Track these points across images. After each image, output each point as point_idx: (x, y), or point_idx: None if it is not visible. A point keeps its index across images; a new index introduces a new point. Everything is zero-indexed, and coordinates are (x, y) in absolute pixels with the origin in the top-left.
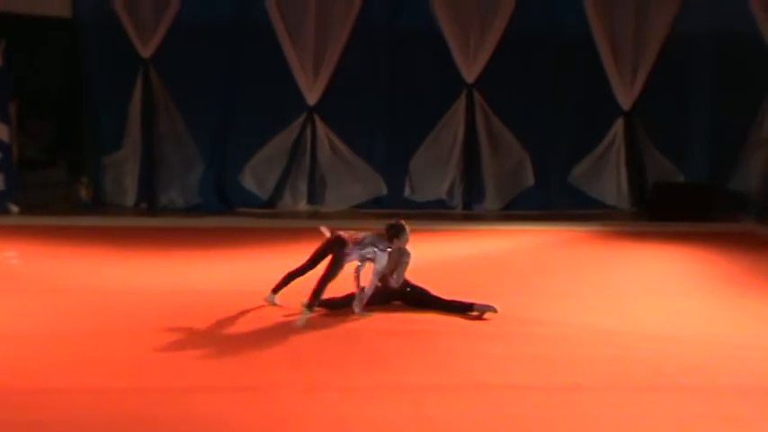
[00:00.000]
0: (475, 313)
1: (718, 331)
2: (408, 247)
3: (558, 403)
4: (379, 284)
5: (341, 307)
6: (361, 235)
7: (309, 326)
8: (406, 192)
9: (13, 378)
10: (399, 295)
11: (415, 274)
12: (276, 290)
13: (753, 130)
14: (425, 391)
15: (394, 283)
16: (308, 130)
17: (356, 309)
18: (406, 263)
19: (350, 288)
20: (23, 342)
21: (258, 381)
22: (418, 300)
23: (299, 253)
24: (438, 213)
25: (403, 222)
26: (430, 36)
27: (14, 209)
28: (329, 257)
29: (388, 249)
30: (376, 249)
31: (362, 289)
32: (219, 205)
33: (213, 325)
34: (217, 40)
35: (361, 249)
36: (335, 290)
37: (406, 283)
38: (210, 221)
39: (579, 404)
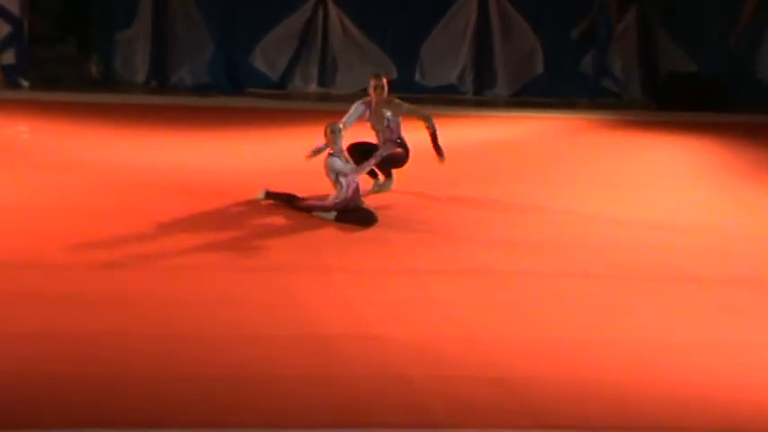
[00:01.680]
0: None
1: (725, 223)
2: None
3: (566, 289)
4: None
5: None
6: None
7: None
8: (417, 76)
9: (12, 251)
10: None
11: (422, 157)
12: (271, 194)
13: None
14: (432, 274)
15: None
16: (320, 12)
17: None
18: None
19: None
20: (26, 215)
21: (267, 261)
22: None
23: (308, 136)
24: (448, 98)
25: (335, 123)
26: None
27: (25, 83)
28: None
29: (332, 153)
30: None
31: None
32: (229, 85)
33: (221, 206)
34: None
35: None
36: None
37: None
38: (220, 101)
39: (586, 291)
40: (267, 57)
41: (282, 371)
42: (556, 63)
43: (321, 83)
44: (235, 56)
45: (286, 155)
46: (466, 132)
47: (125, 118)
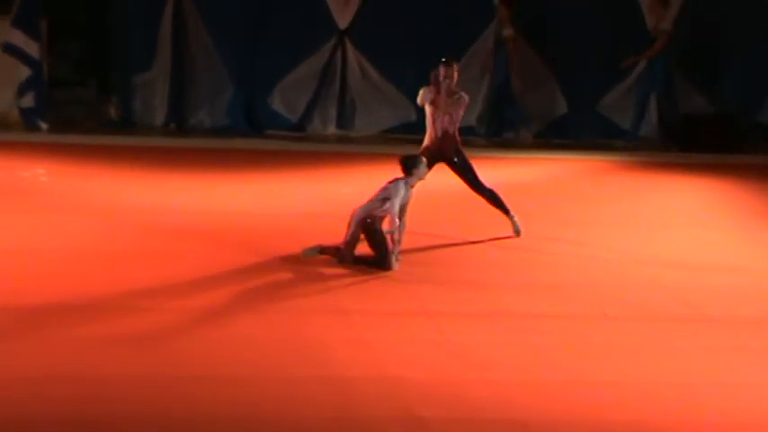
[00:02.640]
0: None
1: (743, 263)
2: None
3: (583, 332)
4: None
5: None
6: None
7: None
8: None
9: (32, 295)
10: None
11: (441, 199)
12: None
13: None
14: (450, 317)
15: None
16: (339, 54)
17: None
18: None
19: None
20: (42, 258)
21: (286, 303)
22: None
23: (327, 177)
24: (468, 141)
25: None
26: None
27: (44, 126)
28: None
29: (410, 184)
30: (398, 191)
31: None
32: (248, 127)
33: (240, 248)
34: None
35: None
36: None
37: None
38: (239, 143)
39: (604, 333)
40: (286, 99)
41: (302, 412)
42: (574, 104)
43: (340, 125)
44: (254, 98)
45: (305, 197)
46: (485, 174)
47: (143, 161)
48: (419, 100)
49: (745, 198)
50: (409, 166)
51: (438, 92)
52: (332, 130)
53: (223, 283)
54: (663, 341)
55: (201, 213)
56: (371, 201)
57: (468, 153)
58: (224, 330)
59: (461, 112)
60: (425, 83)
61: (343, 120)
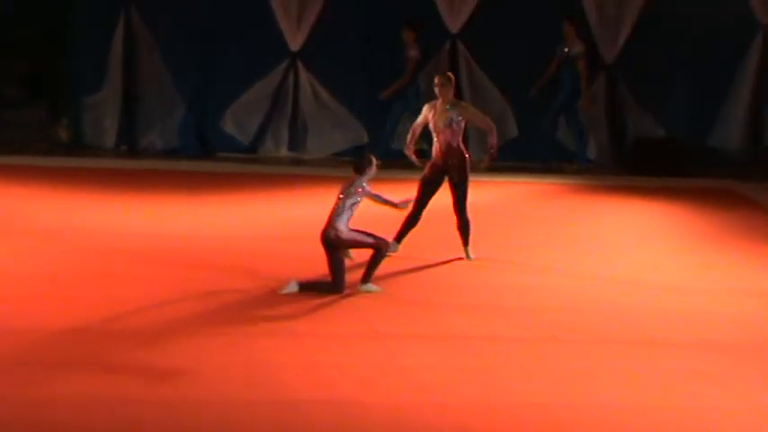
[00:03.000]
0: None
1: (692, 286)
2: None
3: (534, 354)
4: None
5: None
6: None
7: (287, 272)
8: (393, 141)
9: None
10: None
11: (390, 220)
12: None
13: (733, 86)
14: (400, 339)
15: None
16: (291, 77)
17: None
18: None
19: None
20: None
21: (235, 326)
22: None
23: (279, 199)
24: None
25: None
26: None
27: None
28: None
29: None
30: (360, 189)
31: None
32: (199, 149)
33: (190, 270)
34: None
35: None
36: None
37: None
38: (190, 165)
39: (555, 356)
40: (238, 121)
41: None
42: (528, 127)
43: (291, 147)
44: (205, 120)
45: (257, 219)
46: (438, 196)
47: (93, 183)
48: (421, 118)
49: (694, 221)
50: (363, 166)
51: (435, 105)
52: (284, 152)
53: (172, 305)
54: (613, 364)
55: (152, 236)
56: (337, 215)
57: (418, 176)
58: (172, 353)
59: (463, 125)
60: (377, 105)
61: (295, 142)
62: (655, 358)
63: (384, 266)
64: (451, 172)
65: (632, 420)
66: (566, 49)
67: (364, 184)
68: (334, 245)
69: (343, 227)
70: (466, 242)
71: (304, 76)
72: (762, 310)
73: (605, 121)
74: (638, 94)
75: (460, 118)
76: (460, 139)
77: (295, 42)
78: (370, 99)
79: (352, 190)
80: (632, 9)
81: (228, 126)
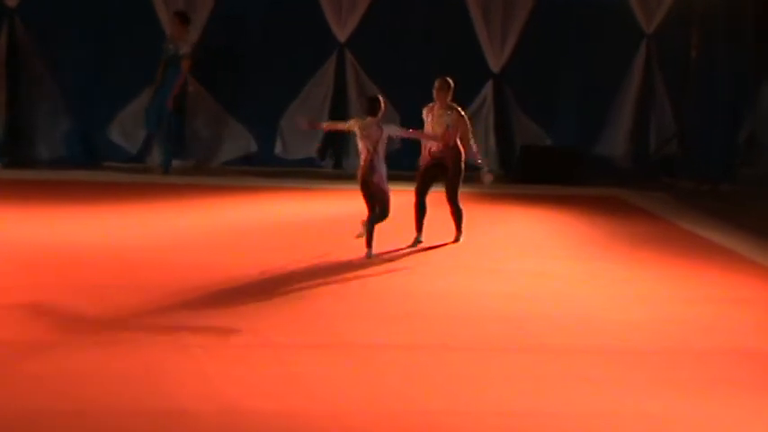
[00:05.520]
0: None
1: (580, 293)
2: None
3: (423, 362)
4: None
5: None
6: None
7: (178, 282)
8: (277, 149)
9: None
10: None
11: (285, 231)
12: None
13: (619, 95)
14: (292, 349)
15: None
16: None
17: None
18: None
19: None
20: None
21: (123, 336)
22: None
23: (166, 209)
24: (308, 172)
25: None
26: None
27: None
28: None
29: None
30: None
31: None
32: (86, 159)
33: (78, 280)
34: None
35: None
36: None
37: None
38: (76, 174)
39: (444, 363)
40: (125, 130)
41: None
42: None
43: (179, 156)
44: (92, 129)
45: (144, 229)
46: (326, 205)
47: None
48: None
49: (581, 228)
50: (375, 108)
51: (433, 108)
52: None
53: (60, 315)
54: (503, 371)
55: (39, 246)
56: (378, 159)
57: (308, 184)
58: (60, 363)
59: (459, 125)
60: (267, 113)
61: (183, 151)
62: (543, 365)
63: (268, 273)
64: (448, 166)
65: (521, 427)
66: (170, 46)
67: (381, 124)
68: (370, 186)
69: (383, 170)
70: (459, 227)
71: (192, 85)
72: (647, 316)
73: (493, 129)
74: (524, 102)
75: (456, 120)
76: (457, 138)
77: (183, 50)
78: (258, 107)
79: (375, 132)
80: (519, 19)
81: (115, 135)
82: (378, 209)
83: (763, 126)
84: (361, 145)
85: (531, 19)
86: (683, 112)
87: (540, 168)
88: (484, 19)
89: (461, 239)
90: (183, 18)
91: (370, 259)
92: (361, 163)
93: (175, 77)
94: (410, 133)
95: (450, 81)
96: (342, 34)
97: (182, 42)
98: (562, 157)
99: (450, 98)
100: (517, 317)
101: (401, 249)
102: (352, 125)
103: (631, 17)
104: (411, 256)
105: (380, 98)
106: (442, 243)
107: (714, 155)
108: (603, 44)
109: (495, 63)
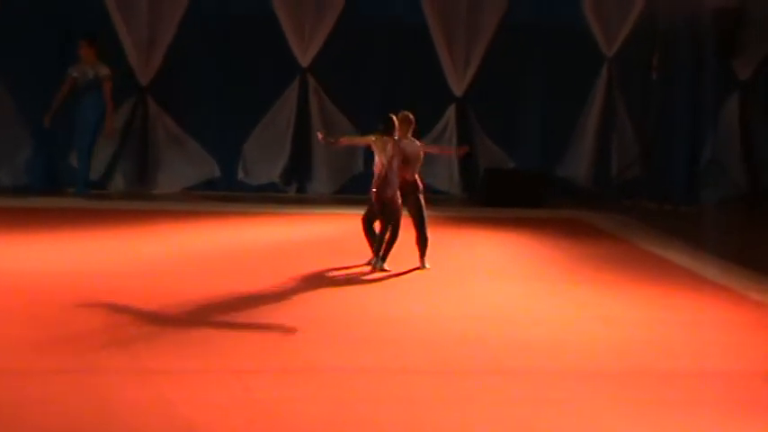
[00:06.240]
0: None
1: (540, 315)
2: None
3: (388, 386)
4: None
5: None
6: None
7: (138, 310)
8: (240, 174)
9: None
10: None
11: (250, 256)
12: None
13: (581, 118)
14: (255, 374)
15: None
16: (140, 111)
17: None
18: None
19: None
20: None
21: (83, 363)
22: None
23: (128, 235)
24: (272, 197)
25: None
26: (265, 20)
27: None
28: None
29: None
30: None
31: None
32: (48, 185)
33: (37, 306)
34: (46, 23)
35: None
36: None
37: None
38: (39, 202)
39: (406, 387)
40: None
41: None
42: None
43: (142, 182)
44: (54, 156)
45: (105, 255)
46: (289, 230)
47: None
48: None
49: (543, 250)
50: (390, 127)
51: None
52: (134, 187)
53: (16, 343)
54: (463, 394)
55: None
56: (392, 175)
57: (271, 209)
58: (16, 393)
59: (412, 159)
60: (231, 138)
61: (146, 177)
62: (507, 387)
63: (230, 297)
64: (408, 201)
65: None
66: (87, 69)
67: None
68: (386, 202)
69: (397, 186)
70: (423, 254)
71: (154, 110)
72: (608, 337)
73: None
74: (487, 125)
75: (411, 153)
76: (416, 172)
77: (144, 76)
78: (221, 133)
79: (391, 150)
80: (481, 43)
81: (77, 162)
82: (392, 228)
83: (725, 147)
84: (377, 160)
85: (494, 43)
86: (645, 134)
87: (503, 191)
88: (446, 43)
89: (427, 265)
90: (91, 42)
91: (384, 270)
92: (375, 178)
93: (98, 102)
94: (429, 148)
95: (411, 116)
96: (304, 59)
97: (98, 65)
98: (525, 180)
99: (411, 132)
100: (481, 339)
101: (367, 273)
102: (369, 140)
103: (593, 41)
104: (377, 281)
105: (393, 117)
106: (409, 269)
107: (676, 176)
108: (565, 67)
109: (457, 87)
